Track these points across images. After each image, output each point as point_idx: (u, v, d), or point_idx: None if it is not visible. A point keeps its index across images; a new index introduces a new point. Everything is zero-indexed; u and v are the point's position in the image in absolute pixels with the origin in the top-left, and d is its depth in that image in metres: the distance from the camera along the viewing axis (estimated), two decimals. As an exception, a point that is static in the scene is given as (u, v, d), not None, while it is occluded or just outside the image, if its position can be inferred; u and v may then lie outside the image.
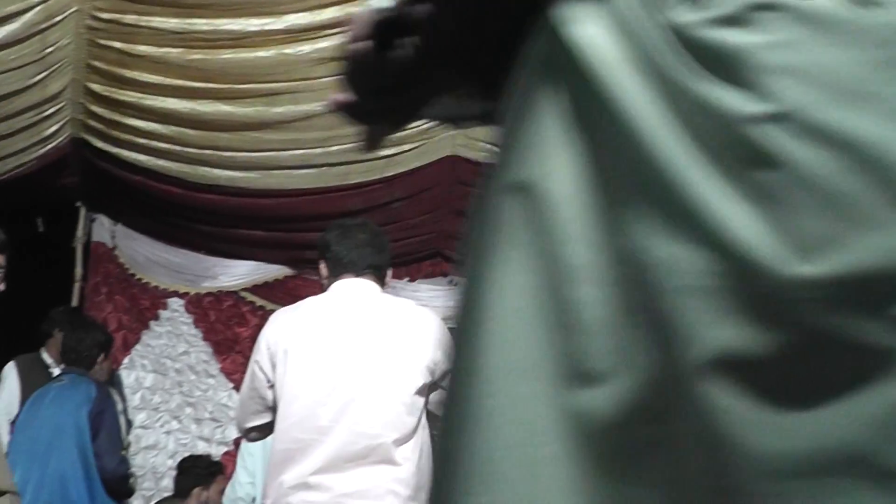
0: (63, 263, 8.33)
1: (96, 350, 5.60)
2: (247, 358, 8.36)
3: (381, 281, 3.68)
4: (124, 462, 5.21)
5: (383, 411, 3.38)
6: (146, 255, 8.48)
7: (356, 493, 3.34)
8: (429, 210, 8.23)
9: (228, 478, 6.71)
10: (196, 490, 6.29)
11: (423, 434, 3.44)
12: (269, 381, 3.53)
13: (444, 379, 3.25)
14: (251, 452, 5.61)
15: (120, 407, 5.27)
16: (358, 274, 3.62)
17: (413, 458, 3.39)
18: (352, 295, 3.62)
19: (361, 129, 1.26)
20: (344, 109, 1.22)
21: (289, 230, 8.30)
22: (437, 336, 3.46)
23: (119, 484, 5.18)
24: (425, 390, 3.46)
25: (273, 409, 3.52)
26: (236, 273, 8.63)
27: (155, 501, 6.52)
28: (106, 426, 5.13)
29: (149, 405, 8.11)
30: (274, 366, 3.52)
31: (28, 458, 5.10)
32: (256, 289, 8.62)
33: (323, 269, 3.72)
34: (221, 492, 6.28)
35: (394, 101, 1.21)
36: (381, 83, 1.18)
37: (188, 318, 8.41)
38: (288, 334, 3.55)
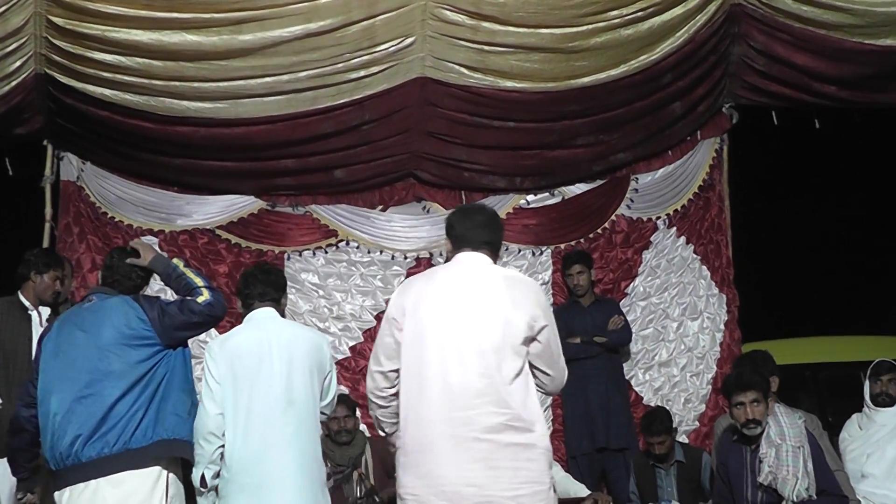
0: (33, 204, 8.24)
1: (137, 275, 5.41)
2: (224, 294, 8.38)
3: (495, 254, 4.58)
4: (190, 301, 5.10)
5: (487, 361, 4.22)
6: (117, 194, 8.41)
7: (477, 427, 4.17)
8: (400, 131, 8.21)
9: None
10: None
11: (528, 378, 4.31)
12: (397, 338, 4.39)
13: (541, 332, 4.31)
14: (218, 381, 5.27)
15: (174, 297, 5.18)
16: (475, 248, 4.52)
17: (519, 398, 4.20)
18: (468, 265, 4.50)
19: None
20: None
21: (260, 158, 8.27)
22: (535, 297, 4.39)
23: (203, 315, 5.07)
24: (527, 342, 4.30)
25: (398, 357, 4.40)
26: (210, 210, 8.61)
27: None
28: (165, 305, 5.03)
29: (126, 345, 7.99)
30: (403, 323, 4.38)
31: (70, 385, 4.86)
32: (231, 226, 8.62)
33: (447, 244, 4.64)
34: None
35: None
36: None
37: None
38: (413, 297, 4.43)
